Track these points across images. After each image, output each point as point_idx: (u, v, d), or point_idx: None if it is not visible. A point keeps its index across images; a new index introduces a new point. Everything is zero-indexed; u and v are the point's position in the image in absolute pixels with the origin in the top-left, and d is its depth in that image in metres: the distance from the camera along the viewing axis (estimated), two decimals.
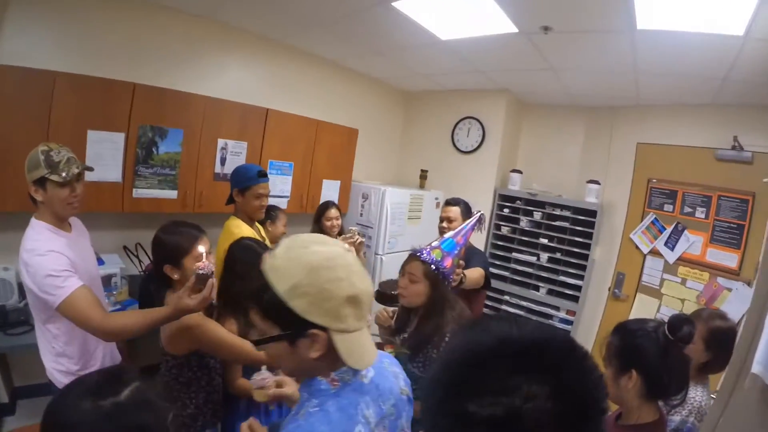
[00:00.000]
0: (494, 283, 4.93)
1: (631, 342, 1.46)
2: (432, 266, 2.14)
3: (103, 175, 3.23)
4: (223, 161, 3.93)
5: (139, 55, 3.58)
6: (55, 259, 1.83)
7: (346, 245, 2.67)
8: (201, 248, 1.85)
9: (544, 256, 4.79)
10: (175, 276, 1.89)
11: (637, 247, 4.37)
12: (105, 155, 3.27)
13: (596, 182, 4.52)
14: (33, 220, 1.99)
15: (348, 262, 0.99)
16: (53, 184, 1.90)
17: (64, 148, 1.98)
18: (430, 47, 3.86)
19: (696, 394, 1.84)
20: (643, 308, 4.29)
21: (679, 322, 1.43)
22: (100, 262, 3.07)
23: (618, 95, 4.31)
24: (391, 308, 2.55)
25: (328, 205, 3.88)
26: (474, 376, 0.59)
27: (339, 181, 4.88)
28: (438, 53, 4.00)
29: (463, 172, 5.28)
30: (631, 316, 4.18)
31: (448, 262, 2.20)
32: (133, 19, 3.54)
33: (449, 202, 3.26)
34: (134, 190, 3.43)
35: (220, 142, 3.88)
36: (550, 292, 4.82)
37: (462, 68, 4.38)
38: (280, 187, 4.37)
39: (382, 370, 1.17)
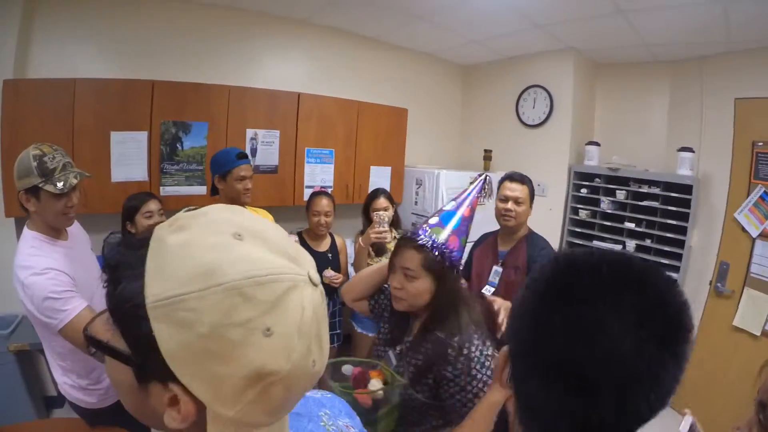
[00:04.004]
0: None
1: None
2: (434, 252, 1.67)
3: (129, 174, 3.47)
4: (253, 152, 3.98)
5: (157, 52, 3.84)
6: (54, 278, 1.77)
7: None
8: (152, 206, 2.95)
9: (631, 244, 4.33)
10: (132, 230, 2.94)
11: (743, 229, 3.79)
12: (129, 155, 3.47)
13: (689, 149, 4.03)
14: (26, 231, 1.94)
15: (302, 305, 0.57)
16: (47, 195, 1.83)
17: (58, 151, 1.90)
18: (468, 4, 3.64)
19: None
20: (753, 306, 3.68)
21: None
22: None
23: (705, 41, 3.82)
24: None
25: (376, 193, 3.77)
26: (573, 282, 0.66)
27: (389, 167, 4.76)
28: (486, 8, 3.73)
29: (531, 149, 4.99)
30: (739, 316, 3.68)
31: (453, 243, 1.72)
32: (149, 18, 3.78)
33: (513, 177, 2.81)
34: (161, 188, 3.58)
35: (249, 132, 3.94)
36: None
37: (517, 25, 4.08)
38: (320, 177, 4.32)
39: None
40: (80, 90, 3.27)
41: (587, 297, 0.63)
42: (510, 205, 2.73)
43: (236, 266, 0.53)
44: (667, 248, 4.11)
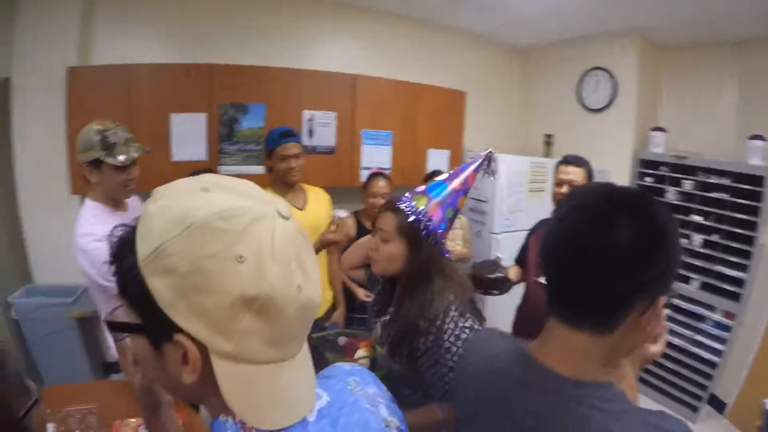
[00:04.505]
0: None
1: None
2: (411, 217, 1.66)
3: (189, 154, 3.65)
4: (311, 133, 4.08)
5: (214, 37, 4.01)
6: None
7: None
8: None
9: (698, 239, 4.12)
10: None
11: None
12: (189, 136, 3.67)
13: (761, 138, 3.85)
14: (87, 201, 2.05)
15: (271, 232, 0.62)
16: (109, 167, 1.95)
17: (120, 127, 2.01)
18: None
19: None
20: None
21: None
22: None
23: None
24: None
25: (432, 175, 3.75)
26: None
27: (448, 151, 4.74)
28: None
29: (593, 134, 4.87)
30: None
31: (435, 214, 1.70)
32: (205, 3, 3.94)
33: (568, 161, 2.75)
34: (220, 167, 3.74)
35: (306, 113, 4.04)
36: (704, 286, 4.11)
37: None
38: (377, 159, 4.37)
39: (344, 396, 0.80)
40: (141, 75, 3.48)
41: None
42: (565, 189, 2.66)
43: (202, 209, 0.59)
44: (735, 245, 3.88)
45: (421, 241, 1.67)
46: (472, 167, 1.87)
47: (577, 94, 5.03)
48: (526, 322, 2.97)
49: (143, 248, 0.60)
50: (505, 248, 4.29)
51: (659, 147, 4.49)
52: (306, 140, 4.01)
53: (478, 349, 1.18)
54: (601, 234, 0.84)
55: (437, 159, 4.65)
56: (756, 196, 3.77)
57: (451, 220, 1.77)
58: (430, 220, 1.67)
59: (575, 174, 2.66)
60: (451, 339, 1.57)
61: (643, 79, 4.62)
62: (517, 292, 3.02)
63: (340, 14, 4.44)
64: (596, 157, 4.45)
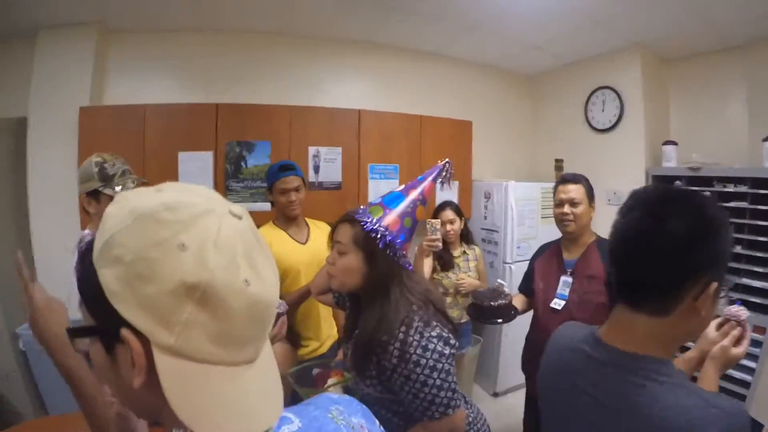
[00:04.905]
0: None
1: None
2: (365, 227, 1.61)
3: None
4: (316, 169, 4.12)
5: (220, 77, 4.19)
6: None
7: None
8: None
9: None
10: None
11: None
12: (195, 173, 3.72)
13: None
14: (85, 233, 2.12)
15: (218, 225, 0.61)
16: (107, 198, 2.00)
17: (118, 159, 2.10)
18: (527, 2, 3.60)
19: None
20: None
21: None
22: None
23: None
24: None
25: (443, 205, 3.77)
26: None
27: (456, 182, 4.72)
28: (537, 5, 3.66)
29: (603, 154, 4.77)
30: None
31: (393, 224, 1.66)
32: (212, 45, 4.16)
33: (567, 179, 2.69)
34: None
35: (311, 149, 4.08)
36: (729, 301, 3.85)
37: (575, 22, 3.96)
38: (385, 192, 4.34)
39: (321, 424, 0.77)
40: (149, 115, 3.61)
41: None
42: (566, 208, 2.60)
43: (153, 201, 0.61)
44: (760, 254, 3.64)
45: (378, 252, 1.62)
46: (430, 178, 1.89)
47: (584, 115, 4.98)
48: (537, 351, 2.82)
49: (98, 244, 0.61)
50: (519, 278, 4.14)
51: (672, 161, 4.34)
52: (312, 176, 4.06)
53: (563, 334, 1.34)
54: (654, 226, 1.00)
55: (445, 191, 4.62)
56: None
57: (411, 231, 1.74)
58: (387, 230, 1.63)
59: (575, 191, 2.61)
60: (419, 351, 1.49)
61: (649, 93, 4.54)
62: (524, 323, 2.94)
63: (344, 51, 4.57)
64: (609, 177, 4.48)
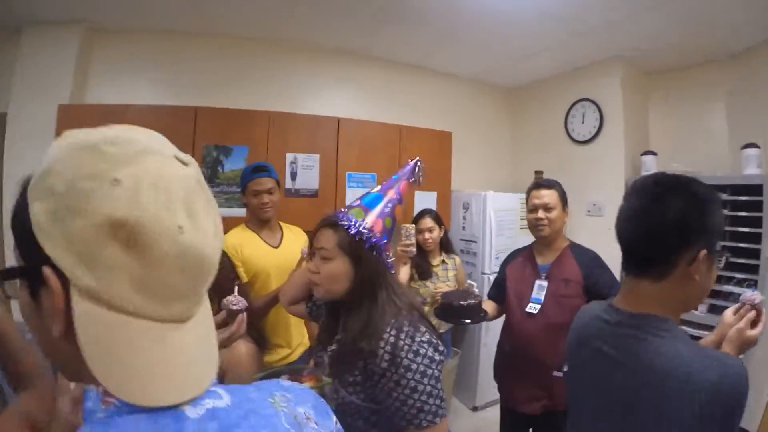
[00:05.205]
0: None
1: None
2: (350, 231, 1.53)
3: None
4: (293, 176, 4.05)
5: (202, 80, 4.18)
6: None
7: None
8: None
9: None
10: None
11: None
12: None
13: (754, 146, 3.69)
14: None
15: (160, 166, 0.58)
16: None
17: None
18: (506, 14, 3.62)
19: None
20: None
21: None
22: None
23: (753, 22, 3.56)
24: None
25: (422, 213, 3.72)
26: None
27: (435, 192, 4.68)
28: (517, 17, 3.69)
29: (583, 166, 4.76)
30: None
31: (376, 225, 1.59)
32: (195, 48, 4.14)
33: (540, 184, 2.70)
34: None
35: (289, 156, 4.04)
36: (711, 308, 3.75)
37: (553, 34, 3.99)
38: None
39: (256, 406, 0.67)
40: (130, 115, 3.50)
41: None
42: (540, 213, 2.61)
43: (97, 135, 0.58)
44: (740, 260, 3.58)
45: (365, 255, 1.55)
46: (404, 177, 1.84)
47: (564, 127, 4.99)
48: (509, 358, 2.79)
49: (35, 175, 0.57)
50: None
51: (651, 170, 4.30)
52: (289, 183, 4.01)
53: (587, 309, 1.54)
54: (649, 204, 1.22)
55: (424, 201, 4.57)
56: (755, 207, 3.56)
57: (392, 231, 1.68)
58: (371, 232, 1.57)
59: (548, 196, 2.62)
60: (410, 356, 1.41)
61: (629, 104, 4.56)
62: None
63: (326, 59, 4.58)
64: (589, 188, 4.47)
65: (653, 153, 4.39)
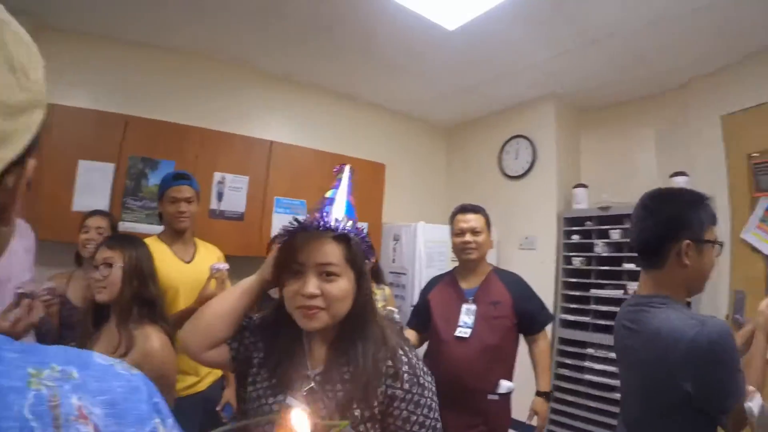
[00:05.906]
0: (572, 334, 4.13)
1: None
2: (354, 240, 1.27)
3: (90, 203, 3.30)
4: (220, 196, 3.89)
5: (134, 89, 4.02)
6: None
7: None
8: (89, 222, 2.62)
9: (633, 286, 3.76)
10: None
11: (754, 249, 3.40)
12: (94, 185, 3.50)
13: (683, 174, 3.77)
14: None
15: None
16: None
17: None
18: (440, 49, 3.72)
19: None
20: None
21: None
22: None
23: (685, 61, 3.78)
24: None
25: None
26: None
27: (365, 223, 4.54)
28: (452, 55, 3.81)
29: (516, 201, 4.79)
30: None
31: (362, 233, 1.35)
32: (130, 56, 4.00)
33: (467, 209, 2.64)
34: (121, 223, 3.39)
35: (217, 175, 3.90)
36: None
37: (488, 71, 4.11)
38: None
39: None
40: (55, 115, 3.29)
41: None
42: (468, 236, 2.55)
43: None
44: None
45: (364, 268, 1.31)
46: (348, 180, 1.55)
47: (498, 163, 5.02)
48: (440, 385, 2.49)
49: None
50: None
51: (583, 203, 4.36)
52: (214, 204, 3.84)
53: (623, 306, 1.73)
54: (643, 213, 1.54)
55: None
56: None
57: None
58: (367, 241, 1.34)
59: (475, 220, 2.59)
60: (426, 377, 1.27)
61: (562, 140, 4.64)
62: None
63: (264, 83, 4.54)
64: (522, 222, 4.45)
65: (584, 185, 4.41)
